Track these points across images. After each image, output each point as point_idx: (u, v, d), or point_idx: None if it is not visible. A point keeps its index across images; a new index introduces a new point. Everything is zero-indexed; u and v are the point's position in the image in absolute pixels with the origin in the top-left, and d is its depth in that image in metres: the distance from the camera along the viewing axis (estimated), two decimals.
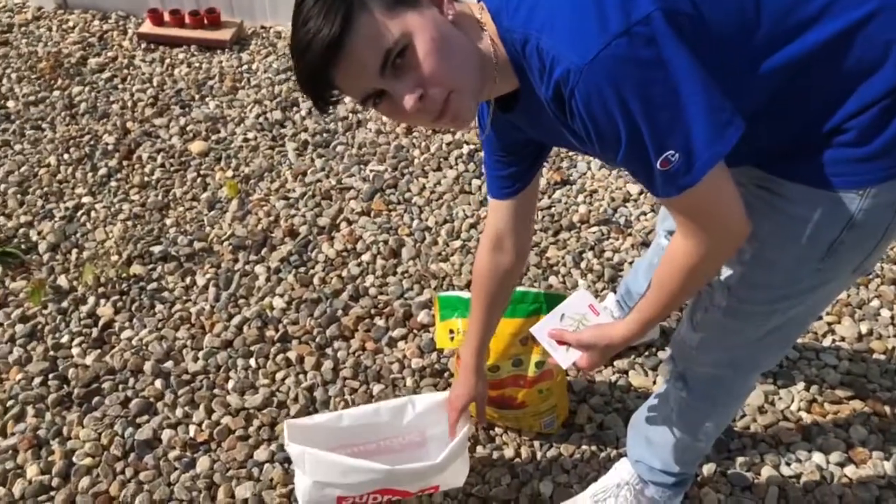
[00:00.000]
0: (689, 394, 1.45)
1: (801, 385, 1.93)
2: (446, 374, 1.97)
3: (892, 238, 1.12)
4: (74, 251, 2.33)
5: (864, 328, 2.06)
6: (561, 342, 1.34)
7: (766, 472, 1.75)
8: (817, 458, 1.78)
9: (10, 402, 1.90)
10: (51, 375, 1.97)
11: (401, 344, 2.07)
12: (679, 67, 0.91)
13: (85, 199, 2.51)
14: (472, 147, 2.71)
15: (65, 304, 2.16)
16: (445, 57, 0.97)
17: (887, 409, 1.88)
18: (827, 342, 2.04)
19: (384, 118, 2.87)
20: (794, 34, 0.99)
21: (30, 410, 1.89)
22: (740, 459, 1.77)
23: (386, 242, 2.35)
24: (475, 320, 1.56)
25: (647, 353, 2.02)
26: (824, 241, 1.10)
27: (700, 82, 0.93)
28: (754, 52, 0.99)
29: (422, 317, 2.12)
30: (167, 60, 3.16)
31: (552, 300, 1.66)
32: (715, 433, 1.52)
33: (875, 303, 2.14)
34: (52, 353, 2.03)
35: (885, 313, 2.11)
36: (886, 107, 0.99)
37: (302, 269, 2.28)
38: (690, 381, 1.43)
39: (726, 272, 1.22)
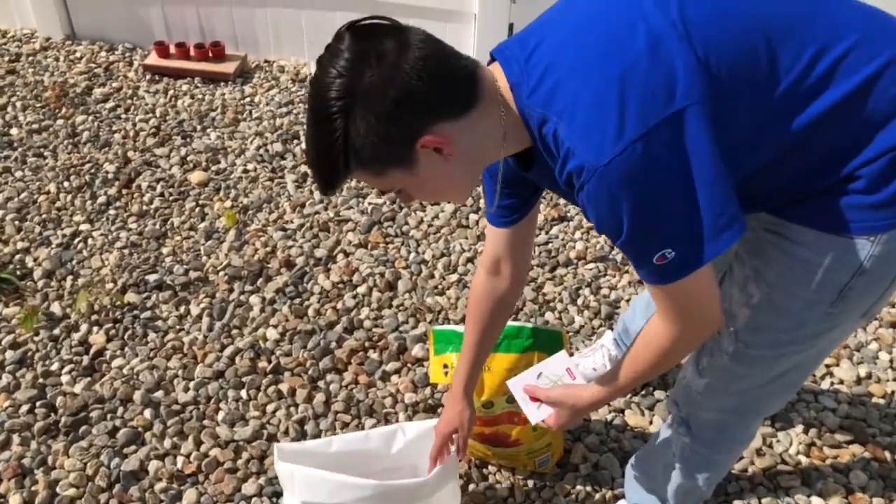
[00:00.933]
0: (693, 440, 1.43)
1: (799, 428, 1.90)
2: (439, 410, 1.95)
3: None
4: (69, 278, 2.31)
5: (862, 371, 2.04)
6: (534, 398, 1.40)
7: None
8: (816, 503, 1.74)
9: None
10: (38, 403, 1.94)
11: (394, 378, 2.04)
12: (691, 171, 0.95)
13: (83, 227, 2.50)
14: None
15: (57, 331, 2.14)
16: (440, 192, 1.12)
17: (887, 454, 1.84)
18: (825, 385, 2.02)
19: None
20: (811, 96, 1.00)
21: (15, 438, 1.86)
22: (739, 503, 1.74)
23: (382, 275, 2.34)
24: (468, 345, 1.54)
25: (643, 393, 1.99)
26: (834, 286, 1.10)
27: (709, 185, 0.96)
28: (772, 115, 1.01)
29: (416, 350, 2.10)
30: (171, 91, 3.18)
31: (545, 335, 1.64)
32: (717, 478, 1.51)
33: (873, 346, 2.12)
34: (41, 380, 2.00)
35: (884, 356, 2.09)
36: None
37: (297, 301, 2.26)
38: (694, 426, 1.41)
39: (734, 315, 1.21)
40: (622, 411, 1.95)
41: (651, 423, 1.92)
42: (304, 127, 1.03)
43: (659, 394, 1.99)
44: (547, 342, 1.62)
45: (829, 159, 1.04)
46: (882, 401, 1.97)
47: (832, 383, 2.02)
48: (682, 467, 1.48)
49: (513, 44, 1.08)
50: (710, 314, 1.09)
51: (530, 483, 1.79)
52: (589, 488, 1.77)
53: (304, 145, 2.89)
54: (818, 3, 1.04)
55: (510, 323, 1.66)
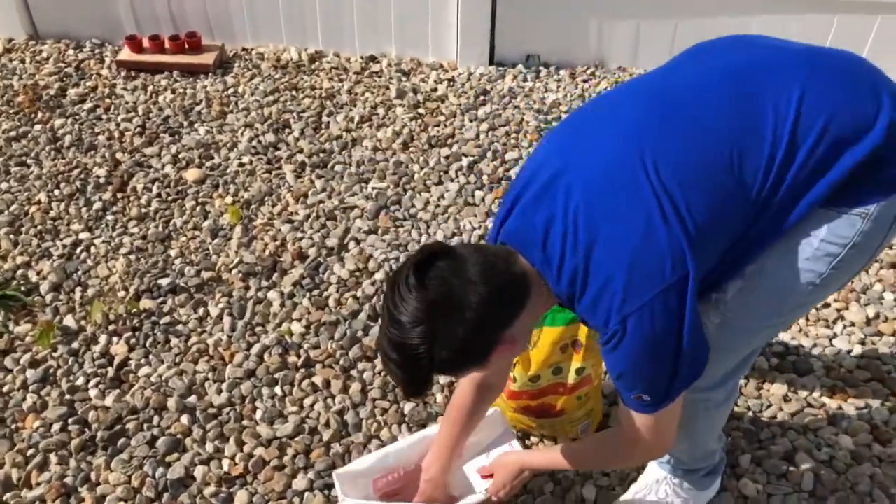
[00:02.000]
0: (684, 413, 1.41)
1: (820, 372, 1.98)
2: None
3: (874, 259, 1.23)
4: (78, 289, 2.27)
5: (870, 312, 2.13)
6: (485, 476, 1.61)
7: (799, 458, 1.79)
8: (844, 440, 1.83)
9: (30, 452, 1.85)
10: (70, 420, 1.91)
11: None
12: (676, 335, 1.13)
13: (82, 235, 2.45)
14: (471, 159, 2.72)
15: (75, 344, 2.11)
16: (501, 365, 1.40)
17: None
18: (838, 328, 2.10)
19: (379, 135, 2.87)
20: (775, 186, 1.13)
21: (53, 458, 1.84)
22: (773, 448, 1.81)
23: (397, 259, 2.34)
24: (449, 440, 1.60)
25: None
26: (826, 258, 1.17)
27: (690, 349, 1.14)
28: (748, 211, 1.15)
29: None
30: (150, 87, 3.11)
31: None
32: (714, 434, 1.55)
33: (878, 287, 2.21)
34: (68, 396, 1.98)
35: (889, 296, 2.18)
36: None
37: (316, 292, 2.26)
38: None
39: (723, 288, 1.26)
40: None
41: None
42: (381, 346, 1.19)
43: None
44: None
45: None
46: (893, 338, 2.07)
47: (844, 326, 2.10)
48: (683, 434, 1.46)
49: (520, 224, 1.22)
50: (667, 440, 1.30)
51: None
52: None
53: (294, 134, 2.85)
54: (757, 101, 1.14)
55: None
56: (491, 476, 1.61)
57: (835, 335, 2.08)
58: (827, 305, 2.16)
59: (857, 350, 2.04)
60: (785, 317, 1.30)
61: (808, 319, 2.11)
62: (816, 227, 1.16)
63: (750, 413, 1.89)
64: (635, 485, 1.72)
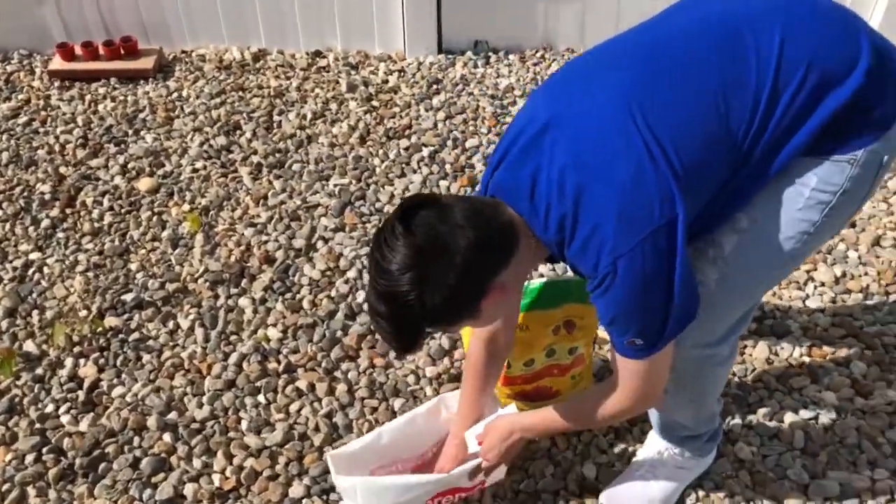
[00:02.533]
0: (676, 376, 1.38)
1: (798, 332, 2.03)
2: None
3: (864, 203, 1.26)
4: (35, 312, 2.15)
5: (837, 271, 2.20)
6: (481, 443, 1.56)
7: (788, 417, 1.83)
8: (828, 396, 1.88)
9: (5, 487, 1.74)
10: (44, 449, 1.81)
11: (409, 355, 2.03)
12: (668, 277, 1.14)
13: (33, 256, 2.32)
14: (431, 149, 2.69)
15: (39, 370, 1.99)
16: (495, 320, 1.38)
17: (877, 341, 2.00)
18: (809, 289, 2.16)
19: (334, 130, 2.81)
20: (760, 130, 1.15)
21: (31, 491, 1.74)
22: (761, 411, 1.85)
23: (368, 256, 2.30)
24: (471, 402, 1.61)
25: None
26: (819, 207, 1.20)
27: (682, 291, 1.15)
28: (733, 157, 1.17)
29: None
30: (87, 97, 2.97)
31: (577, 285, 1.66)
32: (715, 395, 1.56)
33: (841, 246, 2.28)
34: (38, 425, 1.87)
35: (853, 254, 2.25)
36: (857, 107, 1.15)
37: (288, 296, 2.20)
38: (681, 363, 1.38)
39: (719, 244, 1.28)
40: None
41: None
42: (370, 300, 1.17)
43: None
44: (580, 292, 1.65)
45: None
46: (860, 294, 2.14)
47: (815, 287, 2.16)
48: (677, 399, 1.50)
49: (507, 177, 1.23)
50: (657, 389, 1.30)
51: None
52: (626, 424, 1.84)
53: (246, 135, 2.76)
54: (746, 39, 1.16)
55: (538, 280, 1.69)
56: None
57: (807, 296, 2.13)
58: (797, 268, 2.21)
59: (830, 308, 2.09)
60: (783, 268, 1.32)
61: (780, 283, 2.16)
62: (806, 177, 1.19)
63: (736, 378, 1.92)
64: (636, 459, 1.73)
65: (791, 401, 1.88)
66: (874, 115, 1.16)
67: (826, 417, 1.83)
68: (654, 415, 1.65)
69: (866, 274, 2.19)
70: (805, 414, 1.84)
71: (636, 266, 1.12)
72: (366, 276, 2.24)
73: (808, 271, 2.20)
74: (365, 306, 2.15)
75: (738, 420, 1.83)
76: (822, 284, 2.17)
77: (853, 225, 2.34)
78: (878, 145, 1.17)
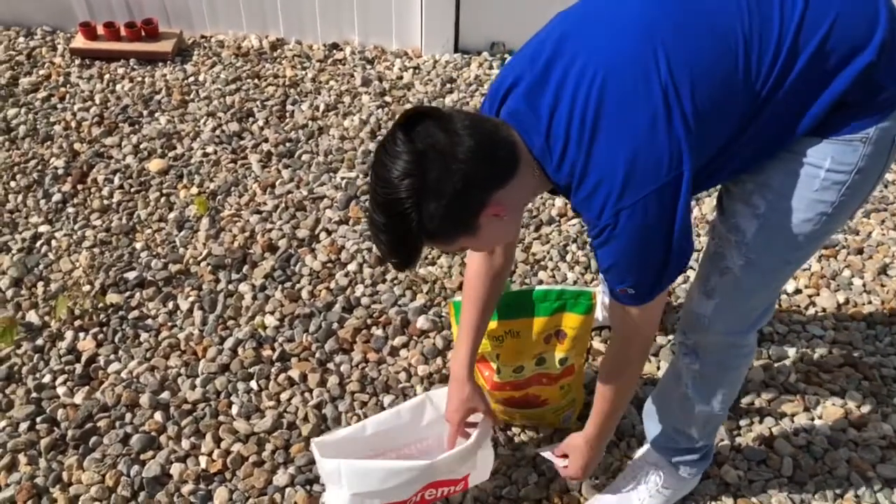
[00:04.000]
0: (702, 365, 1.48)
1: (794, 358, 2.02)
2: None
3: (879, 182, 1.25)
4: (41, 284, 2.18)
5: (840, 298, 2.18)
6: (560, 456, 1.62)
7: (778, 444, 1.82)
8: (820, 425, 1.87)
9: None
10: (38, 419, 1.84)
11: (403, 352, 2.04)
12: (667, 234, 1.15)
13: (42, 228, 2.35)
14: None
15: (39, 341, 2.02)
16: (498, 242, 1.39)
17: (875, 372, 1.99)
18: (810, 314, 2.14)
19: (345, 123, 2.82)
20: (782, 75, 1.13)
21: (22, 458, 1.76)
22: (751, 435, 1.84)
23: (370, 250, 2.31)
24: (468, 328, 1.57)
25: None
26: (835, 187, 1.20)
27: (679, 246, 1.16)
28: (749, 101, 1.15)
29: (420, 323, 2.09)
30: (106, 76, 2.99)
31: (573, 296, 1.67)
32: (730, 399, 1.56)
33: (846, 272, 2.26)
34: (34, 394, 1.89)
35: (857, 282, 2.23)
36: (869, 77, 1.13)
37: (288, 284, 2.21)
38: (701, 352, 1.47)
39: (741, 229, 1.29)
40: None
41: (658, 368, 2.00)
42: (370, 212, 1.17)
43: (660, 339, 2.06)
44: (574, 303, 1.65)
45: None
46: (863, 323, 2.12)
47: (815, 312, 2.15)
48: (695, 396, 1.53)
49: (523, 108, 1.19)
50: (653, 328, 1.33)
51: (556, 439, 1.83)
52: (613, 437, 1.83)
53: (258, 123, 2.78)
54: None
55: (537, 287, 1.69)
56: (564, 456, 1.61)
57: (808, 321, 2.12)
58: (798, 292, 2.20)
59: (830, 336, 2.08)
60: (804, 250, 1.31)
61: (780, 306, 2.15)
62: (820, 158, 1.19)
63: None
64: (622, 474, 1.72)
65: (782, 427, 1.86)
66: (886, 92, 1.15)
67: (817, 447, 1.82)
68: (653, 426, 1.65)
69: (870, 303, 2.18)
70: (796, 441, 1.83)
71: (637, 220, 1.13)
72: (366, 271, 2.25)
73: (810, 296, 2.19)
74: (363, 290, 2.17)
75: (726, 442, 1.82)
76: (824, 310, 2.15)
77: (860, 252, 2.33)
78: (890, 123, 1.16)
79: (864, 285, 2.22)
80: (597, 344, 2.05)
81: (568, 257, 2.31)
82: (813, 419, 1.88)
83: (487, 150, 1.13)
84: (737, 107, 1.15)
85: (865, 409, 1.90)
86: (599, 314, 2.02)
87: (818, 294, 2.19)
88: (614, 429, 1.55)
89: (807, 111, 1.16)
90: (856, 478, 1.75)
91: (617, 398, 1.43)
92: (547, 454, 1.64)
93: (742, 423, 1.87)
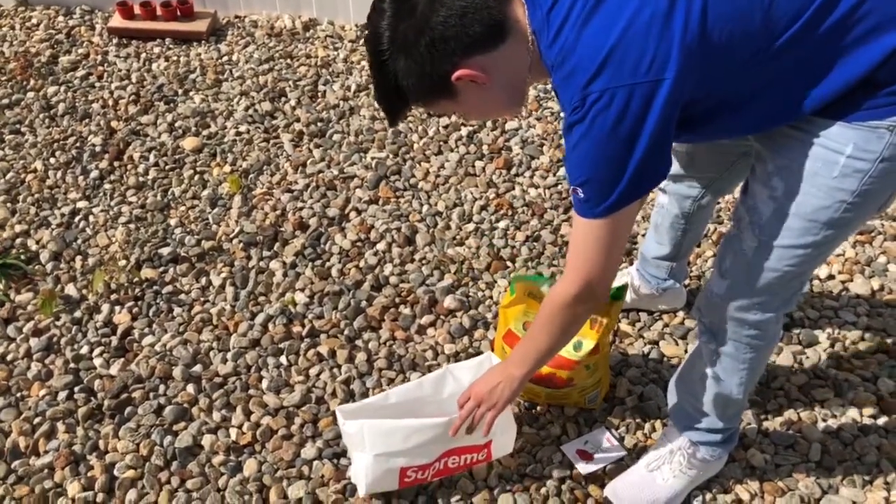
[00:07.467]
0: (717, 345, 1.47)
1: (826, 343, 1.99)
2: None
3: None
4: (78, 258, 2.24)
5: (875, 284, 2.14)
6: (583, 455, 1.72)
7: (806, 429, 1.80)
8: (851, 412, 1.84)
9: (37, 420, 1.83)
10: (76, 389, 1.90)
11: (430, 331, 2.06)
12: (632, 138, 1.11)
13: (80, 204, 2.41)
14: (470, 129, 2.69)
15: (77, 313, 2.08)
16: (487, 113, 1.41)
17: None
18: (843, 300, 2.11)
19: (376, 104, 2.82)
20: (803, 32, 1.09)
21: (60, 426, 1.82)
22: (779, 419, 1.83)
23: (399, 230, 2.32)
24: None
25: (676, 322, 2.05)
26: (856, 175, 1.16)
27: (641, 159, 1.12)
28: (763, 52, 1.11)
29: (448, 302, 2.11)
30: (143, 55, 3.04)
31: None
32: (750, 384, 1.54)
33: (882, 259, 2.22)
34: (72, 365, 1.95)
35: (893, 268, 2.19)
36: None
37: (318, 262, 2.24)
38: (717, 332, 1.46)
39: (758, 211, 1.27)
40: (657, 343, 2.01)
41: (686, 350, 1.99)
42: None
43: (689, 322, 2.05)
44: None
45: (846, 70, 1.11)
46: None
47: (849, 298, 2.11)
48: (714, 377, 1.52)
49: None
50: (596, 269, 1.26)
51: (581, 420, 1.84)
52: (638, 419, 1.84)
53: (290, 102, 2.81)
54: None
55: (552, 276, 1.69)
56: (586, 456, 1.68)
57: (840, 307, 2.09)
58: (831, 277, 2.17)
59: (863, 322, 2.05)
60: (823, 236, 1.25)
61: (812, 292, 2.12)
62: (841, 144, 1.15)
63: (757, 384, 1.90)
64: (647, 455, 1.72)
65: (811, 413, 1.85)
66: None
67: (846, 433, 1.80)
68: (675, 404, 1.65)
69: None
70: (824, 427, 1.82)
71: (600, 108, 1.10)
72: (395, 250, 2.27)
73: (843, 282, 2.15)
74: (391, 270, 2.20)
75: (753, 425, 1.81)
76: (857, 297, 2.12)
77: None
78: None
79: None
80: (624, 326, 2.04)
81: None
82: (843, 405, 1.86)
83: (464, 15, 1.14)
84: (749, 42, 1.10)
85: None
86: (627, 296, 2.01)
87: (851, 280, 2.16)
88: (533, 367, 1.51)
89: (822, 80, 1.11)
90: (886, 465, 1.74)
91: (549, 333, 1.41)
92: (569, 452, 1.70)
93: (770, 406, 1.86)
